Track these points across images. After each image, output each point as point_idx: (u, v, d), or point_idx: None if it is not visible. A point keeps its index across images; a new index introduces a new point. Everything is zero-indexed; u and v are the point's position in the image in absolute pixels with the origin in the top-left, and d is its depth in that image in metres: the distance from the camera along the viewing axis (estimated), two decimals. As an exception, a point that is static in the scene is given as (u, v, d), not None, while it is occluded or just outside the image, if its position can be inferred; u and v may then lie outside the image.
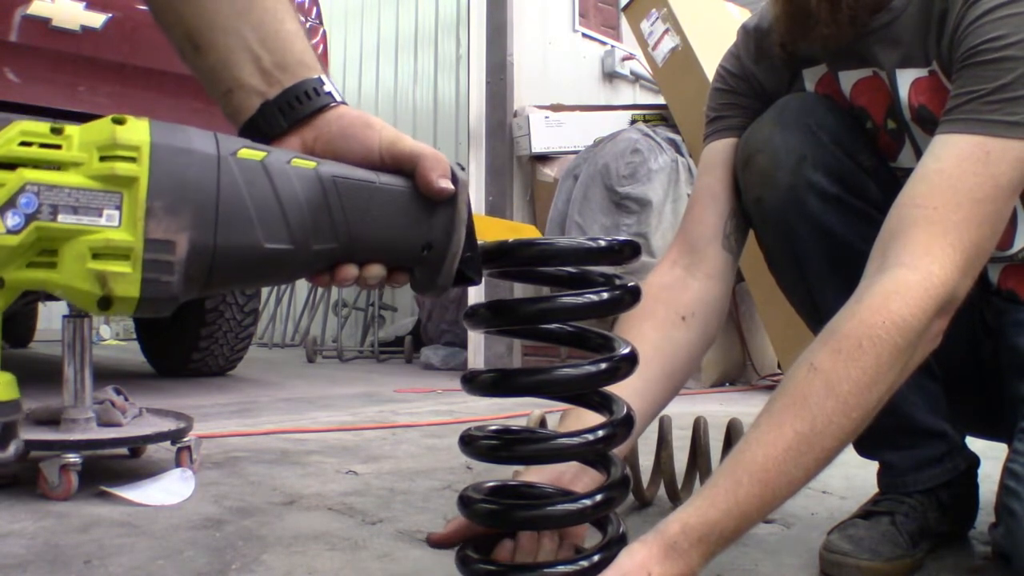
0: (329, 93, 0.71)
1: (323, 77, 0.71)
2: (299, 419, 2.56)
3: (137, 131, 0.58)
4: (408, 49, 6.51)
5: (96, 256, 0.56)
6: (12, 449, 0.57)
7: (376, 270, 0.69)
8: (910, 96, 1.06)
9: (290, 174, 0.63)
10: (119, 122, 0.58)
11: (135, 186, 0.57)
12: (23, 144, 0.56)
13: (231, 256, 0.61)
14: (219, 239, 0.60)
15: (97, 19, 2.56)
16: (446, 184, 0.68)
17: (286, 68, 0.70)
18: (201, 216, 0.59)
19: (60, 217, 0.56)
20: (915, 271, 0.85)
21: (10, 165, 0.55)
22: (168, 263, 0.58)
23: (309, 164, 0.65)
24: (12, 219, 0.54)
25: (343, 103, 0.72)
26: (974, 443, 1.25)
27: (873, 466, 1.22)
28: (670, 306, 1.09)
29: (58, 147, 0.57)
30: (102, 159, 0.57)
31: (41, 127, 0.57)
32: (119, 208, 0.57)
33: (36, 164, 0.56)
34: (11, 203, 0.54)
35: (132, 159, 0.57)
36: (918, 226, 0.87)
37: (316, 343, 5.50)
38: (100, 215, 0.57)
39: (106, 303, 0.57)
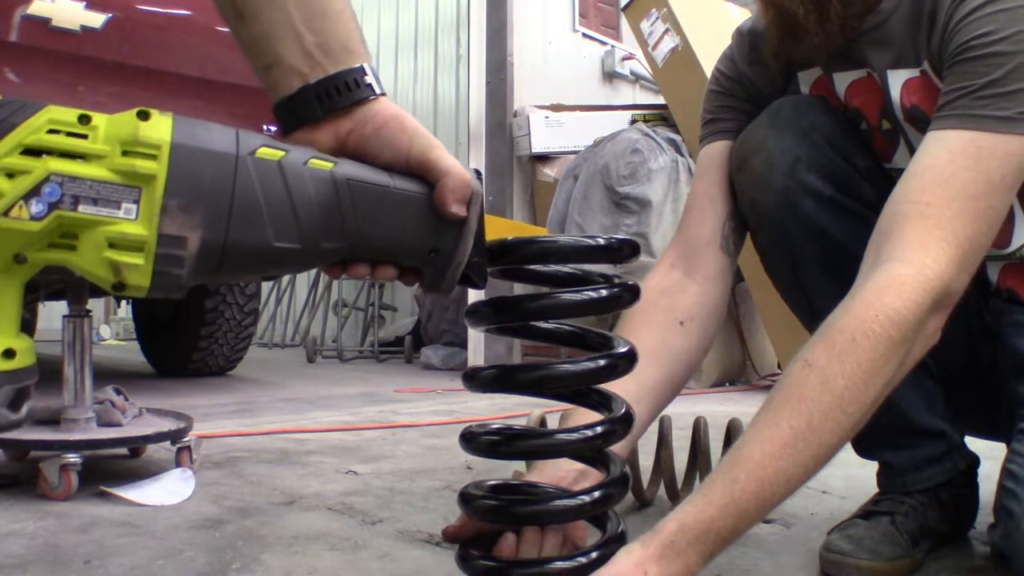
0: (369, 85, 0.70)
1: (365, 66, 0.71)
2: (299, 419, 2.56)
3: (159, 129, 0.61)
4: (408, 49, 6.51)
5: (112, 246, 0.60)
6: (24, 411, 0.62)
7: (388, 271, 0.71)
8: (902, 96, 1.06)
9: (305, 175, 0.65)
10: (144, 116, 0.61)
11: (153, 183, 0.60)
12: (51, 132, 0.59)
13: (240, 252, 0.63)
14: (230, 236, 0.62)
15: (97, 19, 2.56)
16: (459, 210, 0.70)
17: (329, 52, 0.70)
18: (214, 215, 0.62)
19: (81, 207, 0.59)
20: (908, 265, 0.85)
21: (37, 152, 0.58)
22: (179, 257, 0.61)
23: (326, 165, 0.67)
24: (36, 207, 0.58)
25: (382, 95, 0.72)
26: (974, 443, 1.25)
27: (873, 466, 1.22)
28: (669, 311, 1.09)
29: (84, 136, 0.59)
30: (124, 154, 0.60)
31: (69, 115, 0.59)
32: (137, 202, 0.60)
33: (61, 153, 0.59)
34: (36, 191, 0.58)
35: (152, 156, 0.60)
36: (911, 221, 0.87)
37: (316, 343, 5.50)
38: (118, 208, 0.60)
39: (119, 288, 0.61)
